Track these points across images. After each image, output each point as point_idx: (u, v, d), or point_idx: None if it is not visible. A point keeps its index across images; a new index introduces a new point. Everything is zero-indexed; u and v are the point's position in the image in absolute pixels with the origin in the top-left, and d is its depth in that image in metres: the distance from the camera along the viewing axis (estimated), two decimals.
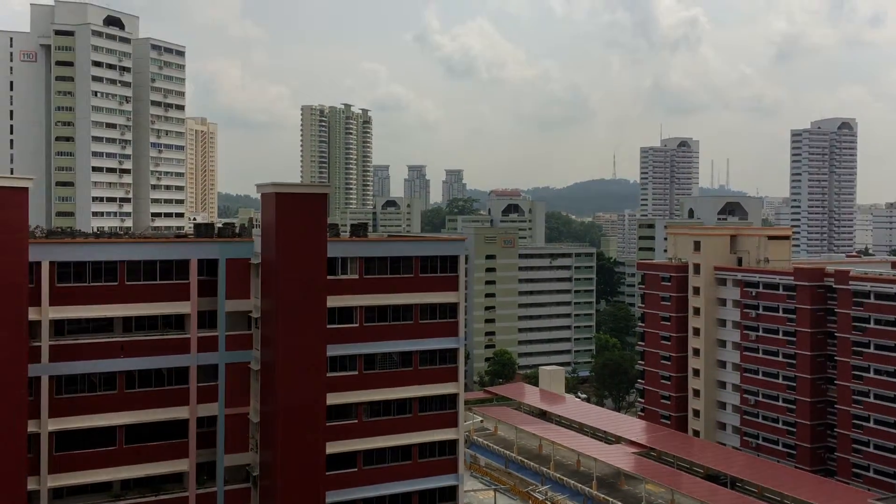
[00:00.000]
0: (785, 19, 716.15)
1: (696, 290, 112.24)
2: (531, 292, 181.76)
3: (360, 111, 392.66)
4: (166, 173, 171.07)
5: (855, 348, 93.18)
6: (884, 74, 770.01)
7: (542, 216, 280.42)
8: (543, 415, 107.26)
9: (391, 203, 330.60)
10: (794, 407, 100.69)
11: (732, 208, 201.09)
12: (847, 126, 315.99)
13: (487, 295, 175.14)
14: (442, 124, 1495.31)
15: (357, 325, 54.71)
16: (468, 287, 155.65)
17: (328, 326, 50.47)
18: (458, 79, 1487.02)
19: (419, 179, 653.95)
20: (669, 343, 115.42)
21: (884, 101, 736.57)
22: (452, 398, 58.32)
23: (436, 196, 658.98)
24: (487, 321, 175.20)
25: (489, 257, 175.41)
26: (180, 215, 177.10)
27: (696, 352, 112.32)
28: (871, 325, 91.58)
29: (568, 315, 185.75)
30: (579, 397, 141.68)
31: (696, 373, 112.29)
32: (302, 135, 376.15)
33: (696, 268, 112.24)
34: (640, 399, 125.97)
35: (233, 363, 51.92)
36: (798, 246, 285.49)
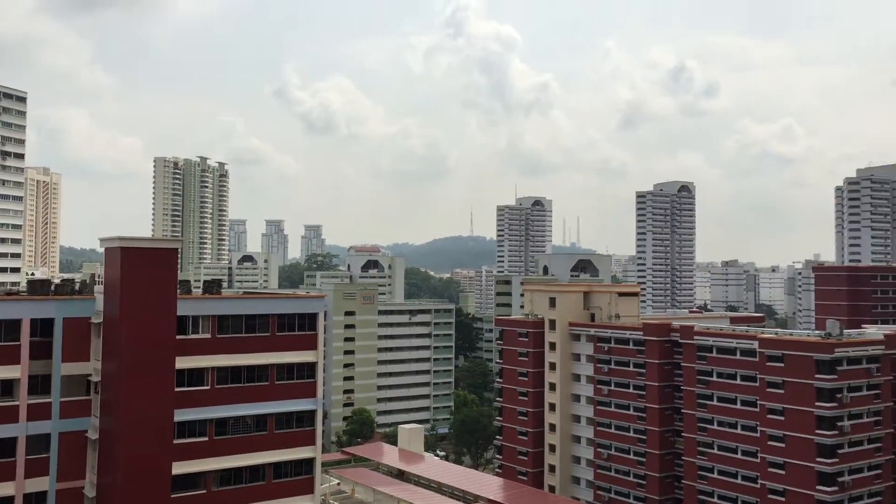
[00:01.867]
0: (629, 88, 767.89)
1: (553, 346, 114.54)
2: (390, 349, 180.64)
3: (217, 164, 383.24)
4: (2, 225, 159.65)
5: (700, 401, 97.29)
6: (718, 142, 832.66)
7: (402, 272, 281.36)
8: (402, 475, 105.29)
9: (248, 258, 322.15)
10: (644, 460, 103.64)
11: (584, 265, 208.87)
12: (686, 189, 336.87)
13: (346, 352, 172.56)
14: (301, 179, 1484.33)
15: (209, 387, 51.86)
16: (327, 344, 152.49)
17: (177, 389, 47.52)
18: (318, 134, 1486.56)
19: (277, 234, 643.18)
20: (527, 398, 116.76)
21: (718, 166, 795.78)
22: (309, 462, 56.08)
23: (294, 251, 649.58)
24: (346, 378, 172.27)
25: (348, 314, 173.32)
26: (16, 270, 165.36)
27: (553, 407, 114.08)
28: (714, 379, 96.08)
29: (427, 371, 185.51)
30: (438, 455, 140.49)
31: (553, 428, 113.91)
32: (154, 187, 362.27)
33: (552, 324, 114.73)
34: (497, 455, 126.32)
35: (68, 432, 47.80)
36: (644, 302, 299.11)
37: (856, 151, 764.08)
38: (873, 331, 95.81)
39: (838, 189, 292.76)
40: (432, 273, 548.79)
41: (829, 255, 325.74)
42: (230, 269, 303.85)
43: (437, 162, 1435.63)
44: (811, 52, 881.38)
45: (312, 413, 56.06)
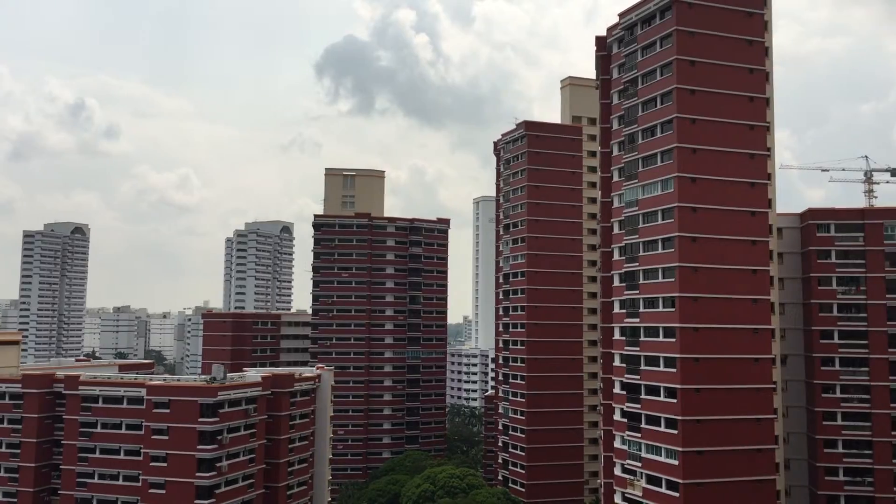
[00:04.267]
0: (21, 118, 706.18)
1: None
2: None
3: None
4: None
5: (81, 455, 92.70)
6: (116, 183, 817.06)
7: None
8: None
9: None
10: None
11: None
12: (80, 230, 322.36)
13: None
14: None
15: None
16: None
17: None
18: None
19: None
20: None
21: (115, 208, 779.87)
22: None
23: None
24: None
25: None
26: None
27: None
28: (98, 430, 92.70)
29: None
30: None
31: None
32: None
33: None
34: None
35: None
36: (26, 351, 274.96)
37: (244, 206, 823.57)
38: (253, 373, 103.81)
39: (228, 240, 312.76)
40: None
41: (218, 303, 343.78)
42: None
43: None
44: (209, 109, 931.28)
45: None
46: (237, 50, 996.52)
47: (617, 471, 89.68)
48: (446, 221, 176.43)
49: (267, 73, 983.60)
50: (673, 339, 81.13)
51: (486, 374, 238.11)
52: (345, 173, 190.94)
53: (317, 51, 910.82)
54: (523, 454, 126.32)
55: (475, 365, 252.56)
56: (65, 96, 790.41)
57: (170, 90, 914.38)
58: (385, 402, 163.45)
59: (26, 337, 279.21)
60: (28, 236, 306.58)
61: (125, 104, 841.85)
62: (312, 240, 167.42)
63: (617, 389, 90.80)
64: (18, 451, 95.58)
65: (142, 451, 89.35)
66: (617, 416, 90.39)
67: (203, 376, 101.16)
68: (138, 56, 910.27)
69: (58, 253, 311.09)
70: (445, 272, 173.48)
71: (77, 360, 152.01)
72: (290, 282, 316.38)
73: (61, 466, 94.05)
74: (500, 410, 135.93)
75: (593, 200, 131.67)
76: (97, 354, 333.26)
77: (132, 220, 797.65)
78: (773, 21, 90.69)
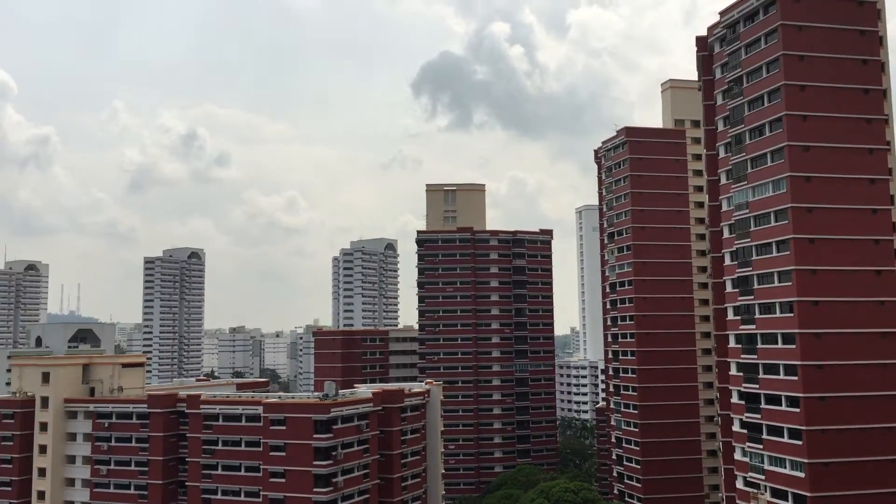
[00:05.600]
0: (138, 151, 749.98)
1: (44, 426, 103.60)
2: None
3: None
4: None
5: (205, 472, 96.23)
6: (227, 208, 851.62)
7: None
8: None
9: None
10: None
11: (84, 335, 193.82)
12: (196, 255, 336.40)
13: None
14: None
15: None
16: None
17: None
18: None
19: None
20: (11, 489, 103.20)
21: (227, 232, 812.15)
22: None
23: None
24: None
25: None
26: None
27: (42, 495, 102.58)
28: (220, 447, 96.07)
29: None
30: None
31: None
32: None
33: (45, 401, 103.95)
34: None
35: None
36: (151, 371, 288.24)
37: (349, 224, 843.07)
38: (364, 389, 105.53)
39: (335, 259, 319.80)
40: None
41: (327, 320, 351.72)
42: None
43: None
44: (310, 131, 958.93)
45: None
46: (334, 72, 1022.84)
47: (739, 484, 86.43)
48: (549, 232, 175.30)
49: (364, 94, 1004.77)
50: (793, 346, 77.76)
51: (596, 385, 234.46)
52: (445, 188, 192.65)
53: (413, 69, 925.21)
54: (638, 467, 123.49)
55: (584, 377, 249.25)
56: (177, 127, 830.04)
57: (272, 115, 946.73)
58: (495, 416, 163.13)
59: (150, 358, 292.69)
60: (149, 262, 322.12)
61: (232, 132, 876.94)
62: (416, 256, 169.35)
63: (735, 399, 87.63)
64: (147, 468, 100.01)
65: (261, 467, 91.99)
66: (736, 427, 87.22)
67: (316, 393, 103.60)
68: (241, 84, 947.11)
69: (176, 277, 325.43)
70: (550, 283, 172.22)
71: (197, 380, 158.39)
72: (396, 298, 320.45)
73: (187, 483, 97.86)
74: (613, 422, 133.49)
75: (700, 205, 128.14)
76: (216, 374, 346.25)
77: (244, 243, 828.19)
78: (887, 9, 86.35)
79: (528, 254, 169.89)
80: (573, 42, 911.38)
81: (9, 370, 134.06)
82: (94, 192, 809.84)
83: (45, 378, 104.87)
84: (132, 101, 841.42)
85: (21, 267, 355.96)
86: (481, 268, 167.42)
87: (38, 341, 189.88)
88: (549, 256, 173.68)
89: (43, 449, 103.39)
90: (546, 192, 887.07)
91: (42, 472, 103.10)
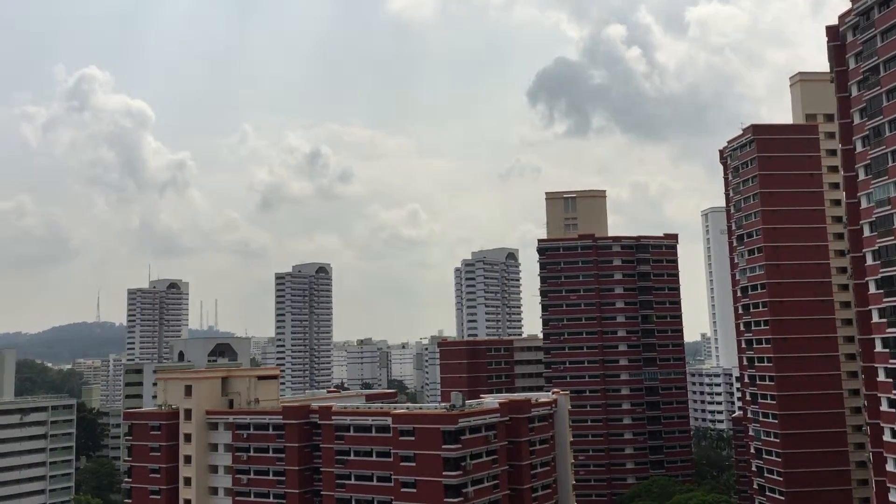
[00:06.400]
0: (267, 171, 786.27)
1: (188, 437, 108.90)
2: None
3: None
4: None
5: (338, 481, 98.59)
6: (351, 223, 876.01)
7: (12, 366, 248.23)
8: None
9: None
10: None
11: (223, 349, 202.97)
12: (323, 270, 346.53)
13: None
14: None
15: None
16: None
17: None
18: None
19: None
20: (160, 497, 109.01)
21: (352, 247, 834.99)
22: None
23: None
24: None
25: None
26: None
27: (189, 503, 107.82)
28: (352, 458, 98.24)
29: (42, 477, 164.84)
30: None
31: None
32: None
33: (188, 413, 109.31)
34: None
35: None
36: (284, 384, 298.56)
37: (470, 235, 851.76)
38: (490, 400, 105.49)
39: (457, 270, 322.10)
40: (50, 365, 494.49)
41: (451, 331, 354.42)
42: None
43: (58, 242, 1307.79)
44: (428, 145, 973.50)
45: None
46: (449, 85, 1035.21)
47: (892, 497, 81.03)
48: (674, 237, 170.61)
49: (480, 104, 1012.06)
50: None
51: (731, 394, 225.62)
52: (565, 196, 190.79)
53: (528, 76, 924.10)
54: (780, 479, 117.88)
55: (718, 385, 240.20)
56: (302, 147, 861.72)
57: (391, 130, 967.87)
58: (625, 426, 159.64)
59: (283, 371, 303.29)
60: (279, 278, 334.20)
61: (353, 149, 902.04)
62: (538, 265, 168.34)
63: (884, 407, 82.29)
64: (283, 478, 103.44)
65: (392, 477, 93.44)
66: (887, 437, 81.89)
67: (443, 404, 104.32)
68: (360, 101, 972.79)
69: (305, 292, 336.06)
70: (677, 289, 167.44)
71: (328, 392, 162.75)
72: (519, 307, 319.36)
73: (322, 492, 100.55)
74: (751, 433, 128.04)
75: (837, 203, 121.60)
76: (345, 385, 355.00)
77: (368, 256, 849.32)
78: None
79: (653, 259, 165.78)
80: (693, 40, 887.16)
81: (155, 384, 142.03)
82: (228, 212, 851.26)
83: (188, 391, 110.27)
84: (259, 124, 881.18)
85: (164, 286, 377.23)
86: (605, 275, 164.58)
87: (181, 356, 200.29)
88: (675, 261, 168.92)
89: (188, 459, 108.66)
90: (669, 195, 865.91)
91: (188, 480, 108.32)
